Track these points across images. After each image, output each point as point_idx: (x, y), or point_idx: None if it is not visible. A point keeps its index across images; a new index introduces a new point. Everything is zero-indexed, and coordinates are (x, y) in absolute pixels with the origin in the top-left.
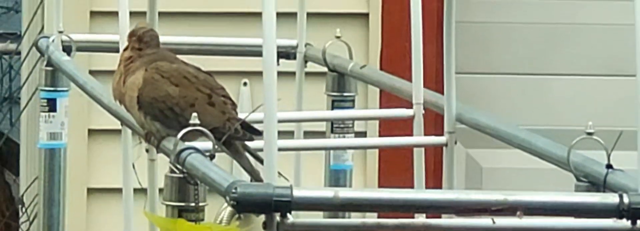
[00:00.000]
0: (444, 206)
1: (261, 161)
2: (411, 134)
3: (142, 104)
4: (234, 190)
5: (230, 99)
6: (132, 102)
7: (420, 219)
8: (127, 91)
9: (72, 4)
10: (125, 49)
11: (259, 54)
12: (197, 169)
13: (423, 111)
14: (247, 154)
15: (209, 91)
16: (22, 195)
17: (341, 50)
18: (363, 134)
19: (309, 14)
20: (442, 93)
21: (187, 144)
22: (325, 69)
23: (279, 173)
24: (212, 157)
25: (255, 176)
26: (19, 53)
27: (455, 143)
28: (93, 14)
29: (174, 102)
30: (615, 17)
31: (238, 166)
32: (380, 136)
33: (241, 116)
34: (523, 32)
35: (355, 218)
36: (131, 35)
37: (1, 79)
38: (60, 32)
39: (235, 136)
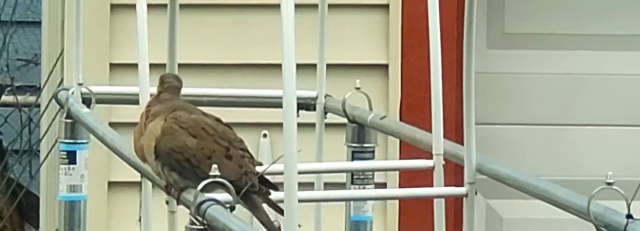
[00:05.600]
0: None
1: (281, 212)
2: (431, 185)
3: (160, 154)
4: None
5: (248, 152)
6: (149, 152)
7: None
8: (145, 140)
9: (91, 56)
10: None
11: (279, 105)
12: (218, 221)
13: (443, 162)
14: (265, 206)
15: (227, 143)
16: None
17: (361, 101)
18: (383, 185)
19: (328, 65)
20: (462, 144)
21: (207, 195)
22: (345, 120)
23: (299, 225)
24: (232, 209)
25: (272, 229)
26: (38, 105)
27: (476, 193)
28: (113, 66)
29: (191, 153)
30: (633, 68)
31: None
32: (400, 186)
33: (260, 167)
34: (542, 83)
35: None
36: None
37: (21, 132)
38: (80, 84)
39: (251, 190)
